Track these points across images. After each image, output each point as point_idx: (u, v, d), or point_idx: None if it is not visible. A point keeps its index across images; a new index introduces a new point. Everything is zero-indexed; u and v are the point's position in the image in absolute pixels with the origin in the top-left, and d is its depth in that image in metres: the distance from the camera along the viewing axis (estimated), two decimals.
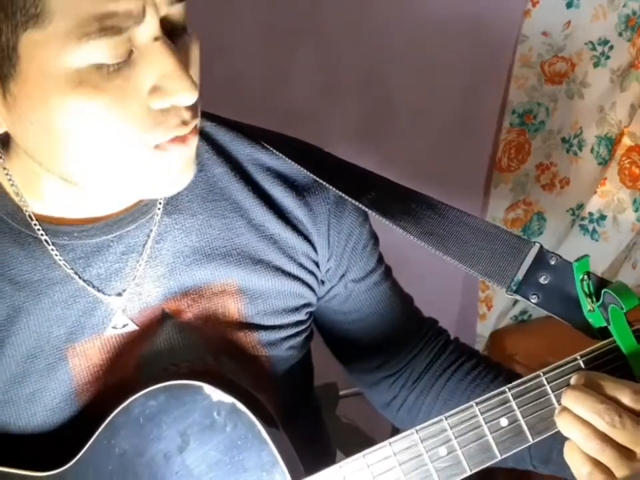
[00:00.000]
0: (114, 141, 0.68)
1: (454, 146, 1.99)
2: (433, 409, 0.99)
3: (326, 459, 1.02)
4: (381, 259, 1.00)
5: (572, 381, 0.75)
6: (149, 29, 0.66)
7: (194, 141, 0.73)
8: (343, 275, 0.95)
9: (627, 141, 2.05)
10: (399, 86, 1.90)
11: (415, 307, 1.04)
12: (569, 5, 1.85)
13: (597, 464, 0.72)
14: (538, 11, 1.85)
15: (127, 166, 0.71)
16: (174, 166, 0.73)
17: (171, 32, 0.68)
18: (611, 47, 1.92)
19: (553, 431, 0.75)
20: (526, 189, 2.08)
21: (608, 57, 1.93)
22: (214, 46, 1.69)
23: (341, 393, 1.56)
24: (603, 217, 2.12)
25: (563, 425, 0.73)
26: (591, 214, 2.12)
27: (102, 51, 0.64)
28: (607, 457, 0.71)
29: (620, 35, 1.91)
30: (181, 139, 0.71)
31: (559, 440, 0.75)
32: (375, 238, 0.98)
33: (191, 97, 0.68)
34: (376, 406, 1.07)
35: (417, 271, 1.97)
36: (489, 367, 0.98)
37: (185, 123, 0.71)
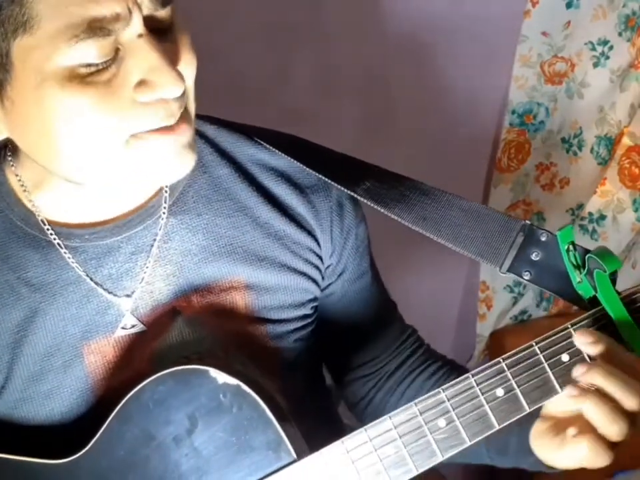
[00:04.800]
0: (103, 135, 0.71)
1: (454, 146, 1.99)
2: (397, 407, 1.01)
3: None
4: (372, 262, 1.02)
5: (592, 350, 0.76)
6: (133, 28, 0.69)
7: (186, 129, 0.75)
8: (341, 273, 0.97)
9: (626, 141, 2.05)
10: (399, 86, 1.91)
11: (398, 313, 1.07)
12: (568, 5, 1.86)
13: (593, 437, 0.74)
14: (538, 11, 1.85)
15: (120, 157, 0.74)
16: (168, 153, 0.75)
17: (158, 30, 0.71)
18: (611, 47, 1.93)
19: (549, 399, 0.77)
20: (526, 189, 2.08)
21: (608, 57, 1.93)
22: (214, 46, 1.70)
23: None
24: (602, 217, 2.12)
25: (593, 404, 0.74)
26: (590, 214, 2.12)
27: (90, 51, 0.67)
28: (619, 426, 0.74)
29: (620, 35, 1.91)
30: (170, 129, 0.74)
31: (515, 432, 0.78)
32: (368, 240, 1.00)
33: (176, 89, 0.71)
34: (347, 404, 1.09)
35: (418, 270, 1.97)
36: (454, 369, 1.01)
37: (172, 115, 0.73)
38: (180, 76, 0.71)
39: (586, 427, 0.75)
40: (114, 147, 0.72)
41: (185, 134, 0.75)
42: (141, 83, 0.70)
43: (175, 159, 0.76)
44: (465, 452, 0.78)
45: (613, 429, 0.73)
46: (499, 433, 0.79)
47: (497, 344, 2.19)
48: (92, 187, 0.79)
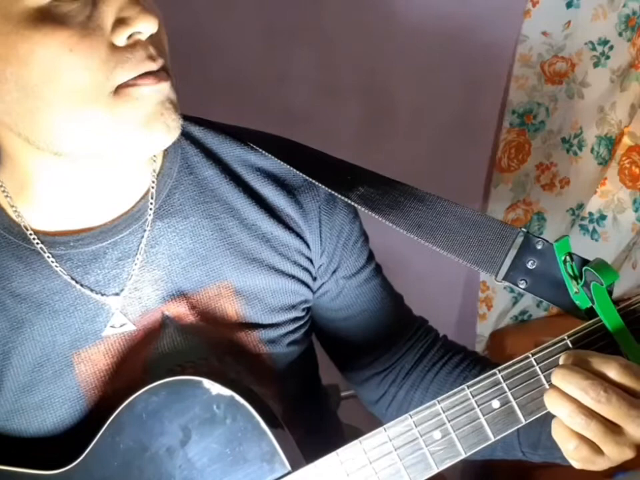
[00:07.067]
0: (83, 85, 0.70)
1: (454, 146, 1.99)
2: (423, 402, 1.00)
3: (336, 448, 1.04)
4: (371, 256, 1.01)
5: (560, 361, 0.75)
6: None
7: (167, 83, 0.74)
8: (335, 271, 0.96)
9: (627, 141, 2.04)
10: (399, 86, 1.90)
11: (405, 305, 1.05)
12: (568, 5, 1.85)
13: (583, 439, 0.71)
14: (538, 11, 1.85)
15: (102, 113, 0.71)
16: (152, 108, 0.73)
17: None
18: (611, 47, 1.92)
19: (545, 411, 0.75)
20: (526, 189, 2.08)
21: (608, 57, 1.93)
22: (213, 46, 1.69)
23: (343, 394, 1.56)
24: (603, 217, 2.12)
25: (550, 402, 0.73)
26: (590, 214, 2.12)
27: None
28: (592, 432, 0.70)
29: (620, 34, 1.91)
30: (154, 76, 0.72)
31: (547, 424, 0.76)
32: (364, 235, 0.99)
33: (150, 22, 0.70)
34: (366, 403, 1.08)
35: (418, 271, 1.97)
36: (476, 360, 0.99)
37: (151, 57, 0.72)
38: (153, 11, 0.71)
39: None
40: (96, 97, 0.71)
41: (167, 85, 0.74)
42: (116, 24, 0.70)
43: (159, 117, 0.74)
44: (497, 446, 0.76)
45: (585, 431, 0.71)
46: (531, 427, 0.78)
47: (497, 344, 2.19)
48: (74, 157, 0.76)
